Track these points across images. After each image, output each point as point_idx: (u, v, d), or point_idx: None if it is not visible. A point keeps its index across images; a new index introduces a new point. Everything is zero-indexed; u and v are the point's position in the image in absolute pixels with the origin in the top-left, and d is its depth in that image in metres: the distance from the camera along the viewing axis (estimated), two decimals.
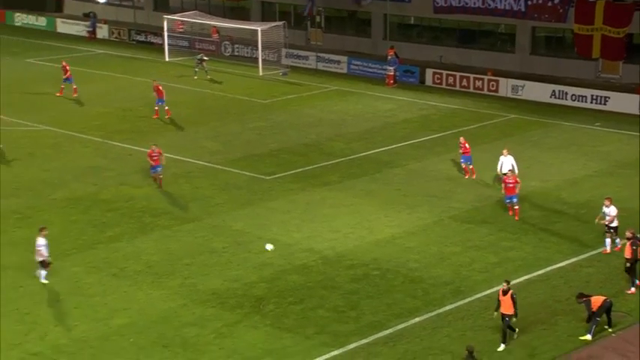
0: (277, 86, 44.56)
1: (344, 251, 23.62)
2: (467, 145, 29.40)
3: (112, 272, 21.96)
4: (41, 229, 21.44)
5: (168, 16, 51.06)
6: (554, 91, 40.69)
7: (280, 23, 49.04)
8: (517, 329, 18.64)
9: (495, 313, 18.71)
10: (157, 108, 37.03)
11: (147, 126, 35.99)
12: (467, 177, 29.40)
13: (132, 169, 30.11)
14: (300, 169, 30.53)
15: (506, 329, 18.44)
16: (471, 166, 29.53)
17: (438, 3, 47.59)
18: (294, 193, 28.30)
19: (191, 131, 35.42)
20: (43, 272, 21.15)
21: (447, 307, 20.24)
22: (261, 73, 46.88)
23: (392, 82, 44.86)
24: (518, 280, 21.50)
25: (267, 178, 29.81)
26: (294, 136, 35.05)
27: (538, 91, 41.12)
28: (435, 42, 49.56)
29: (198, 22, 51.05)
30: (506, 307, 18.50)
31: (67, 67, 39.77)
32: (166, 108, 36.98)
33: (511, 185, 25.76)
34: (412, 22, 51.71)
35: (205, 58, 45.54)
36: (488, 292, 20.97)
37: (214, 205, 27.00)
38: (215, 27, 52.08)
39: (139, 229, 24.90)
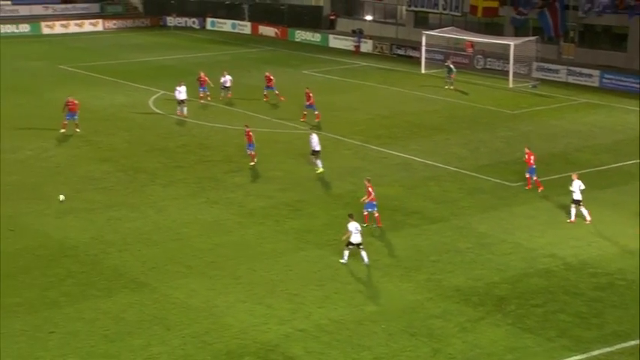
0: (526, 98, 43.15)
1: (587, 259, 22.31)
2: (532, 157, 27.55)
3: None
4: (350, 215, 22.57)
5: (427, 32, 51.41)
6: None
7: (533, 38, 47.53)
8: None
9: None
10: (305, 112, 37.39)
11: (401, 132, 36.49)
12: (528, 188, 27.87)
13: (386, 171, 30.66)
14: (545, 178, 29.27)
15: None
16: (535, 178, 27.61)
17: None
18: (539, 200, 27.23)
19: (441, 138, 35.35)
20: (347, 253, 22.35)
21: None
22: (510, 85, 45.68)
23: None
24: None
25: (513, 184, 28.95)
26: (541, 146, 33.67)
27: None
28: None
29: (454, 37, 50.90)
30: None
31: (271, 77, 41.52)
32: (316, 112, 37.13)
33: None
34: None
35: (452, 67, 45.21)
36: None
37: (460, 208, 26.73)
38: (469, 41, 51.60)
39: (391, 225, 25.28)
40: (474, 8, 55.35)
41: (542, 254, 22.77)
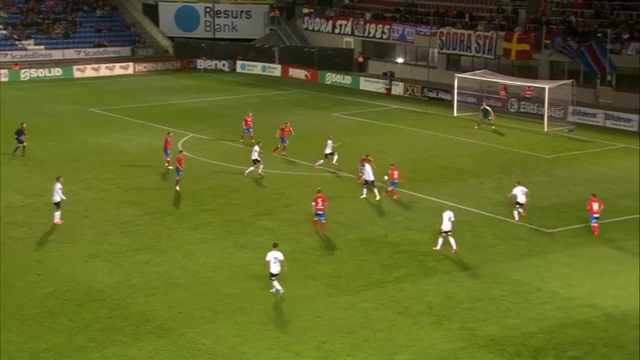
0: (562, 142, 42.94)
1: (630, 310, 21.88)
2: (396, 172, 32.20)
3: (398, 310, 22.35)
4: (273, 245, 23.42)
5: (459, 75, 51.63)
6: None
7: (569, 82, 47.47)
8: None
9: None
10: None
11: (433, 176, 36.43)
12: (387, 194, 32.31)
13: (418, 216, 30.56)
14: (582, 225, 28.96)
15: None
16: (390, 189, 32.39)
17: None
18: (577, 247, 26.91)
19: (475, 182, 35.22)
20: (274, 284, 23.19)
21: None
22: (546, 129, 45.52)
23: None
24: None
25: (549, 231, 28.68)
26: (577, 191, 33.39)
27: None
28: None
29: (487, 80, 51.02)
30: None
31: (249, 119, 41.59)
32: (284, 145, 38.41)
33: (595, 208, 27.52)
34: None
35: (488, 109, 45.41)
36: None
37: (494, 254, 26.49)
38: (503, 85, 51.67)
39: (423, 272, 25.12)
40: (507, 51, 55.54)
41: (580, 304, 22.40)
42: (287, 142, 39.23)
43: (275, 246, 23.34)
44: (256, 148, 35.79)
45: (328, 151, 37.34)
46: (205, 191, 33.73)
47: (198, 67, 69.28)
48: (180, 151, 34.64)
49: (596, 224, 28.21)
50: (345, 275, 24.85)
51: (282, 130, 39.33)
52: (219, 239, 28.06)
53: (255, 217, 30.39)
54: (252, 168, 35.65)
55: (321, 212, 28.45)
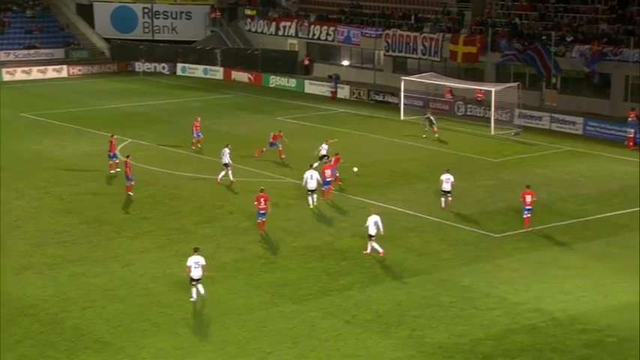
0: (508, 145, 43.73)
1: (576, 314, 22.37)
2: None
3: (345, 319, 22.40)
4: (194, 249, 23.64)
5: (406, 77, 52.15)
6: None
7: (515, 84, 48.43)
8: None
9: None
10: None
11: (380, 180, 36.69)
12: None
13: (364, 222, 30.55)
14: (530, 229, 29.53)
15: None
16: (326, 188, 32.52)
17: None
18: (524, 252, 27.40)
19: (422, 187, 35.58)
20: (194, 290, 23.32)
21: None
22: (492, 133, 46.31)
23: (632, 144, 42.40)
24: None
25: (496, 235, 29.15)
26: None
27: None
28: None
29: (433, 83, 51.67)
30: None
31: (197, 124, 41.77)
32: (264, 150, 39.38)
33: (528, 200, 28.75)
34: None
35: (432, 118, 45.68)
36: None
37: (442, 260, 26.80)
38: (449, 87, 52.40)
39: (370, 279, 25.25)
40: (453, 54, 56.36)
41: (527, 309, 22.80)
42: (279, 145, 39.72)
43: (196, 250, 23.43)
44: (226, 150, 35.69)
45: (323, 153, 37.75)
46: (145, 198, 33.32)
47: (137, 69, 68.45)
48: (127, 156, 34.17)
49: (528, 216, 29.42)
50: (290, 284, 24.82)
51: (274, 136, 39.92)
52: (160, 248, 27.74)
53: (198, 225, 30.13)
54: (223, 172, 35.51)
55: (263, 212, 28.67)
